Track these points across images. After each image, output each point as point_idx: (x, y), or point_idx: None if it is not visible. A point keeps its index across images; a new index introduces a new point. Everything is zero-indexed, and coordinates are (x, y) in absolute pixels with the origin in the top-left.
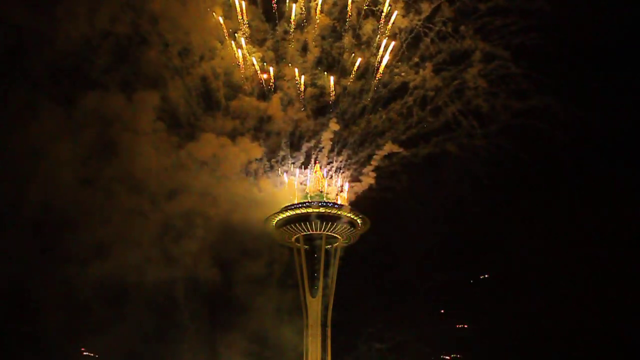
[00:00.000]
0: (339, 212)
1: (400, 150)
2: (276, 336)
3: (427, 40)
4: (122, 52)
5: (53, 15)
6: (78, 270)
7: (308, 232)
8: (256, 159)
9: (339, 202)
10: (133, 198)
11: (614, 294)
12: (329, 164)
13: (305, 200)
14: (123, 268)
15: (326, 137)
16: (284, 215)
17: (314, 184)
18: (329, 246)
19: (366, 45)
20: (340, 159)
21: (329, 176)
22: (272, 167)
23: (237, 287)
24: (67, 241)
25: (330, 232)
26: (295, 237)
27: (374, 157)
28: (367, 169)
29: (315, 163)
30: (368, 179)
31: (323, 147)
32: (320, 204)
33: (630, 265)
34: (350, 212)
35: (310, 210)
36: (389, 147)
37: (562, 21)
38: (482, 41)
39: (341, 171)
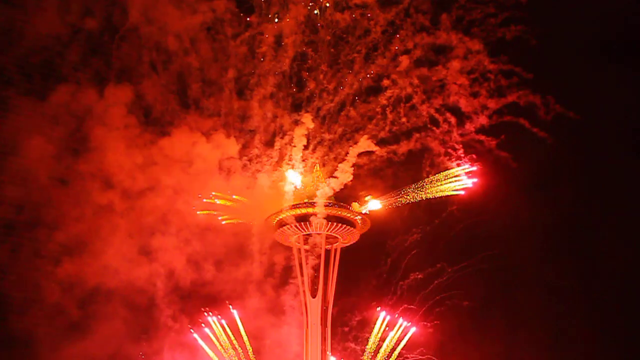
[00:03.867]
0: (340, 213)
1: (376, 148)
2: (260, 336)
3: (405, 33)
4: (94, 46)
5: (23, 9)
6: (51, 269)
7: (308, 232)
8: (230, 157)
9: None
10: (106, 195)
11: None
12: (303, 160)
13: (305, 201)
14: (98, 267)
15: (300, 133)
16: (284, 215)
17: (314, 183)
18: (329, 246)
19: (344, 39)
20: (315, 155)
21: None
22: (245, 166)
23: (218, 285)
24: (40, 239)
25: (331, 232)
26: (295, 237)
27: (352, 154)
28: (345, 166)
29: (289, 160)
30: (346, 176)
31: (295, 145)
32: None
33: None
34: (350, 212)
35: (310, 210)
36: (365, 144)
37: (544, 13)
38: (461, 34)
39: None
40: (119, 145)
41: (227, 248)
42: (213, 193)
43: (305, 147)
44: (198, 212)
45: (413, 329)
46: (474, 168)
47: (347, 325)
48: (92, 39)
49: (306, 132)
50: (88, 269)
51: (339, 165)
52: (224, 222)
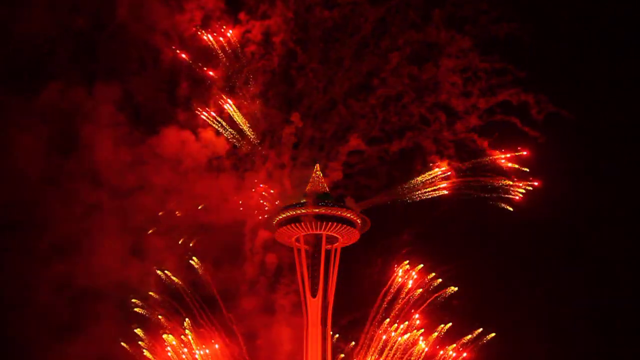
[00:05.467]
0: (339, 213)
1: (365, 148)
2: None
3: (396, 30)
4: (82, 44)
5: (10, 6)
6: (41, 268)
7: (308, 233)
8: (219, 156)
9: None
10: (96, 194)
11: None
12: (293, 159)
13: (305, 200)
14: (89, 266)
15: (289, 131)
16: (284, 215)
17: (314, 183)
18: (329, 246)
19: (333, 36)
20: (305, 154)
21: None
22: (235, 165)
23: (209, 285)
24: (28, 239)
25: (331, 231)
26: (295, 237)
27: (345, 152)
28: (335, 164)
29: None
30: (336, 174)
31: (284, 143)
32: (320, 204)
33: None
34: (350, 213)
35: (310, 210)
36: (354, 143)
37: (537, 10)
38: (453, 31)
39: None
40: (107, 143)
41: (219, 248)
42: (178, 212)
43: (295, 146)
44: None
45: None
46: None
47: (337, 325)
48: (80, 36)
49: (295, 131)
50: (78, 269)
51: (330, 164)
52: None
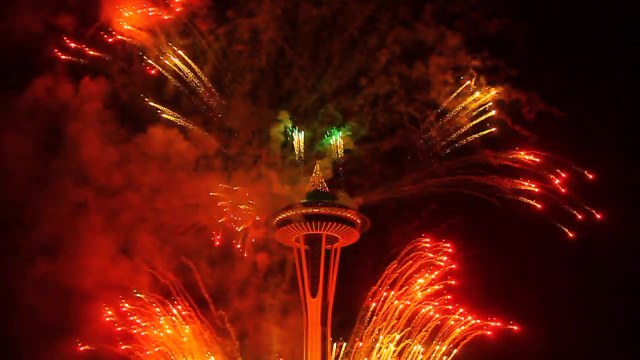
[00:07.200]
0: (339, 213)
1: (354, 147)
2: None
3: (385, 28)
4: (70, 41)
5: None
6: (28, 268)
7: (308, 232)
8: (206, 156)
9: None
10: (83, 192)
11: None
12: (284, 158)
13: (304, 200)
14: (76, 265)
15: (277, 131)
16: (283, 215)
17: (314, 182)
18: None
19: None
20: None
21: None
22: (223, 165)
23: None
24: (15, 238)
25: (331, 231)
26: (295, 237)
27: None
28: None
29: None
30: (326, 173)
31: (273, 142)
32: (320, 204)
33: None
34: (350, 213)
35: (310, 210)
36: (344, 141)
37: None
38: (443, 27)
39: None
40: (94, 141)
41: (210, 248)
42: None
43: (284, 145)
44: None
45: None
46: None
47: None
48: (66, 34)
49: (283, 130)
50: (66, 267)
51: (318, 162)
52: None
